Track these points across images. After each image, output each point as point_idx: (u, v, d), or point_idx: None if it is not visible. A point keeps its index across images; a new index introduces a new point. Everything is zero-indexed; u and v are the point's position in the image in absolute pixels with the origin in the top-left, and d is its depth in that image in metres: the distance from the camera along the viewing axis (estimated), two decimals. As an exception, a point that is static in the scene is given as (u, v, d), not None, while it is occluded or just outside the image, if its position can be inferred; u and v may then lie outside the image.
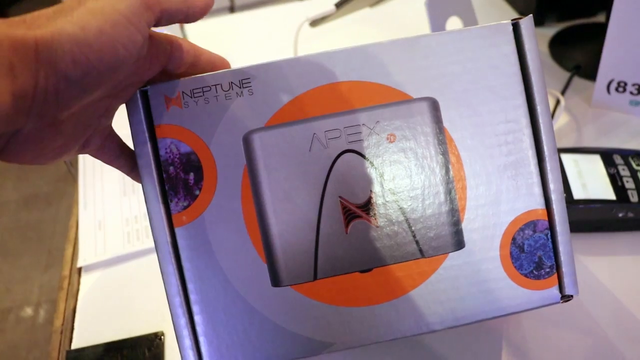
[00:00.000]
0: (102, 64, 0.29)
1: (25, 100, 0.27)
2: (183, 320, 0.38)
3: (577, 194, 0.56)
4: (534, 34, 0.39)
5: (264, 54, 0.94)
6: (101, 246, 0.63)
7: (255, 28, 1.03)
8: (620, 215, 0.56)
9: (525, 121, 0.39)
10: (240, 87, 0.38)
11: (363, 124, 0.38)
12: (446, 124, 0.39)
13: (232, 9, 2.29)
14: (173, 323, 0.38)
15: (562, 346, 0.50)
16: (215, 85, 0.38)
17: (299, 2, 1.15)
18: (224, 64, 0.40)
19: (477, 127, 0.39)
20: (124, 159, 0.40)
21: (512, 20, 0.39)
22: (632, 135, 0.70)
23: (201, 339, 0.38)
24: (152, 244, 0.62)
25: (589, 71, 0.79)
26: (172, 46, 0.36)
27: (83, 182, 0.72)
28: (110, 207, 0.68)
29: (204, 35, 1.00)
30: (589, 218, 0.56)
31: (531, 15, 0.39)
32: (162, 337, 0.54)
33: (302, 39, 0.80)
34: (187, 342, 0.38)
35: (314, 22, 0.72)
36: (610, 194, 0.56)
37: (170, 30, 0.79)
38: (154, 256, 0.62)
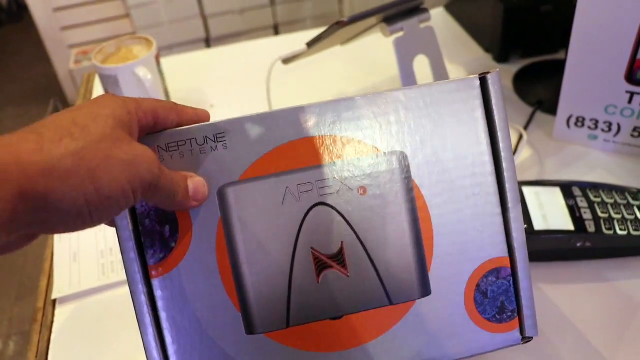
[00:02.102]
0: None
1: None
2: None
3: (538, 224, 0.59)
4: (501, 88, 0.40)
5: (238, 89, 0.96)
6: (76, 278, 0.64)
7: (230, 63, 1.04)
8: (579, 245, 0.58)
9: (491, 177, 0.41)
10: (214, 141, 0.39)
11: (334, 178, 0.39)
12: (415, 176, 0.40)
13: (207, 41, 2.33)
14: None
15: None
16: (190, 139, 0.39)
17: (273, 38, 1.19)
18: (207, 117, 0.40)
19: (444, 180, 0.40)
20: None
21: (479, 75, 0.40)
22: (590, 168, 0.73)
23: None
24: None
25: (551, 106, 0.82)
26: (156, 123, 0.37)
27: (59, 216, 0.73)
28: (85, 240, 0.69)
29: (181, 68, 1.03)
30: (549, 248, 0.58)
31: (498, 70, 0.40)
32: (137, 369, 0.55)
33: (274, 75, 0.82)
34: None
35: (286, 60, 0.75)
36: (569, 225, 0.59)
37: (148, 68, 0.82)
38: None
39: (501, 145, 0.41)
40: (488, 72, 0.40)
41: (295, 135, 0.39)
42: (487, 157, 0.41)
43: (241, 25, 2.32)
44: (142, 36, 0.88)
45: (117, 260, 0.66)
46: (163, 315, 0.39)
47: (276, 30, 2.42)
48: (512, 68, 0.93)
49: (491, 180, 0.41)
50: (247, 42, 1.12)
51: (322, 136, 0.40)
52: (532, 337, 0.41)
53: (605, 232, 0.58)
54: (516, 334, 0.42)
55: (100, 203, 0.30)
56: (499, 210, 0.41)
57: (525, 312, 0.41)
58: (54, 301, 0.62)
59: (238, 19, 2.30)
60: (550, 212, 0.60)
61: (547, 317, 0.55)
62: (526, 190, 0.63)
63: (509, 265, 0.41)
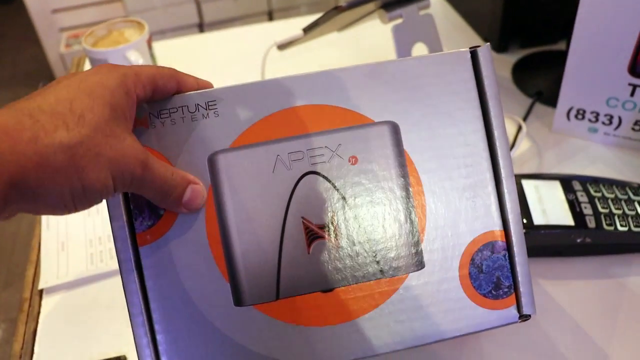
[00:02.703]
0: None
1: None
2: (145, 340, 0.38)
3: (537, 219, 0.58)
4: (491, 61, 0.41)
5: (232, 75, 0.95)
6: (64, 268, 0.63)
7: (224, 49, 1.04)
8: (579, 240, 0.58)
9: (482, 145, 0.41)
10: (206, 109, 0.39)
11: (325, 147, 0.40)
12: (406, 147, 0.40)
13: (201, 26, 2.31)
14: (135, 342, 0.38)
15: (521, 370, 0.51)
16: (181, 106, 0.39)
17: (268, 24, 1.17)
18: (209, 86, 0.41)
19: (436, 150, 0.41)
20: None
21: (470, 48, 0.41)
22: (590, 161, 0.73)
23: (161, 352, 0.38)
24: (116, 267, 0.62)
25: (550, 97, 0.82)
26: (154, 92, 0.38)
27: (46, 203, 0.72)
28: (74, 228, 0.68)
29: (173, 54, 1.01)
30: (548, 243, 0.58)
31: (488, 43, 0.41)
32: (124, 360, 0.54)
33: (269, 61, 0.81)
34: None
35: (282, 46, 0.73)
36: (569, 220, 0.58)
37: (139, 52, 0.80)
38: (118, 279, 0.61)
39: (493, 116, 0.41)
40: (479, 46, 0.41)
41: (286, 104, 0.40)
42: (479, 128, 0.41)
43: (235, 10, 2.30)
44: (133, 19, 0.86)
45: (105, 249, 0.65)
46: (150, 284, 0.39)
47: (270, 16, 2.40)
48: (511, 58, 0.93)
49: (483, 151, 0.41)
50: (241, 27, 1.11)
51: (314, 105, 0.40)
52: (529, 316, 0.41)
53: (606, 227, 0.58)
54: (513, 311, 0.41)
55: (84, 197, 0.32)
56: (492, 182, 0.41)
57: (522, 288, 0.41)
58: (41, 291, 0.61)
59: (232, 4, 2.28)
60: (549, 206, 0.59)
61: (546, 313, 0.55)
62: (525, 183, 0.62)
63: (504, 239, 0.41)
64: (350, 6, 0.60)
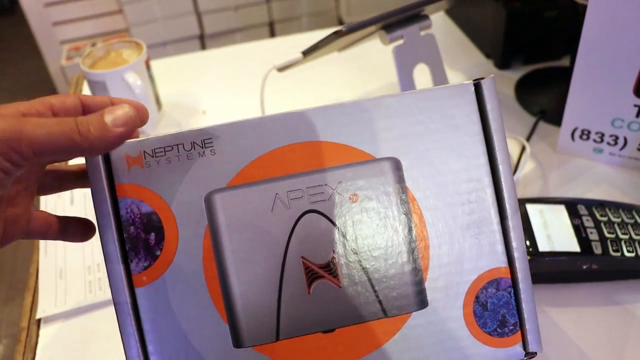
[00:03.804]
0: None
1: None
2: None
3: (542, 245, 0.57)
4: (495, 93, 0.40)
5: (230, 96, 0.94)
6: (62, 296, 0.62)
7: (222, 67, 1.03)
8: (585, 267, 0.57)
9: (487, 180, 0.40)
10: (202, 147, 0.38)
11: (325, 184, 0.39)
12: (409, 183, 0.40)
13: (202, 38, 2.31)
14: None
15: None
16: (177, 144, 0.38)
17: (268, 41, 1.17)
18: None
19: (439, 187, 0.40)
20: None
21: (473, 80, 0.40)
22: (595, 183, 0.72)
23: None
24: (114, 295, 0.62)
25: (554, 116, 0.81)
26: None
27: (44, 228, 0.71)
28: (72, 255, 0.67)
29: (171, 72, 1.01)
30: (554, 270, 0.57)
31: (492, 76, 0.40)
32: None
33: (269, 80, 0.80)
34: None
35: (282, 68, 0.73)
36: (574, 246, 0.57)
37: (138, 73, 0.79)
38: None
39: (497, 151, 0.40)
40: (482, 78, 0.40)
41: (284, 141, 0.39)
42: (484, 163, 0.40)
43: (236, 22, 2.30)
44: (132, 39, 0.86)
45: (104, 277, 0.64)
46: (147, 326, 0.38)
47: (271, 27, 2.40)
48: (513, 75, 0.92)
49: (488, 187, 0.40)
50: (241, 45, 1.11)
51: (313, 142, 0.39)
52: (535, 353, 0.40)
53: (612, 253, 0.57)
54: (518, 348, 0.40)
55: None
56: (497, 218, 0.40)
57: (528, 325, 0.40)
58: (39, 320, 0.60)
59: (232, 15, 2.28)
60: (555, 231, 0.59)
61: (552, 341, 0.54)
62: (530, 208, 0.61)
63: (509, 276, 0.40)
64: (350, 31, 0.60)
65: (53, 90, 2.43)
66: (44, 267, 0.66)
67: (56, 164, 0.41)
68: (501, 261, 0.40)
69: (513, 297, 0.40)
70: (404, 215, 0.39)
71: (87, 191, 0.75)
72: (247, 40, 2.26)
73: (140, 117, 0.37)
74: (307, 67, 0.88)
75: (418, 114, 0.40)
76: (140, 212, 0.38)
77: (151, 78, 0.85)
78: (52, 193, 0.42)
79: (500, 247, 0.40)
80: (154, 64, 0.92)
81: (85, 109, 0.38)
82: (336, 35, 0.60)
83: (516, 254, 0.40)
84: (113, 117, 0.33)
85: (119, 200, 0.38)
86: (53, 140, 0.31)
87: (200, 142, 0.38)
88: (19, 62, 2.90)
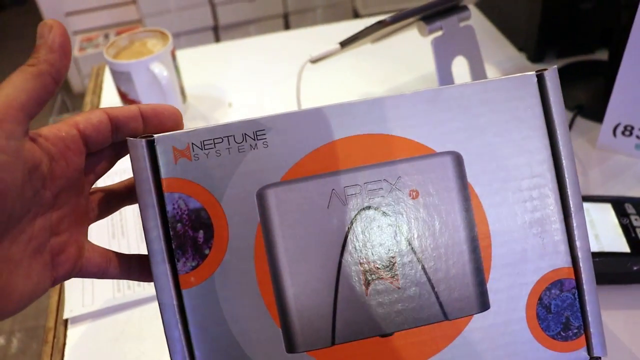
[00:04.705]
0: None
1: None
2: None
3: (591, 246, 0.55)
4: (559, 85, 0.39)
5: (265, 88, 0.92)
6: (89, 296, 0.61)
7: (245, 59, 1.02)
8: (635, 268, 0.55)
9: (550, 176, 0.38)
10: (254, 139, 0.36)
11: (384, 180, 0.37)
12: (470, 179, 0.38)
13: (216, 29, 2.29)
14: None
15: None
16: (227, 136, 0.36)
17: (287, 32, 1.14)
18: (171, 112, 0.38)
19: (502, 183, 0.38)
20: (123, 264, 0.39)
21: (536, 71, 0.38)
22: (638, 180, 0.70)
23: None
24: (145, 294, 0.60)
25: (591, 111, 0.79)
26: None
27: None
28: None
29: (194, 63, 0.99)
30: (603, 271, 0.55)
31: (555, 66, 0.39)
32: (155, 396, 0.51)
33: (303, 76, 0.78)
34: None
35: (315, 60, 0.71)
36: (624, 246, 0.55)
37: (163, 64, 0.77)
38: (147, 307, 0.59)
39: (561, 145, 0.38)
40: (545, 69, 0.39)
41: (341, 133, 0.37)
42: (547, 158, 0.39)
43: (250, 13, 2.29)
44: (156, 29, 0.84)
45: (133, 274, 0.61)
46: (194, 330, 0.36)
47: (286, 19, 2.38)
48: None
49: (551, 183, 0.39)
50: (262, 37, 1.08)
51: (371, 134, 0.37)
52: (600, 358, 0.39)
53: (663, 254, 0.54)
54: (583, 353, 0.39)
55: None
56: (560, 216, 0.39)
57: (592, 329, 0.39)
58: (66, 321, 0.59)
59: (247, 7, 2.27)
60: (602, 231, 0.57)
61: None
62: (575, 206, 0.58)
63: (573, 277, 0.39)
64: (394, 20, 0.58)
65: (66, 82, 2.42)
66: (69, 264, 0.64)
67: (101, 186, 0.40)
68: (565, 261, 0.38)
69: (577, 299, 0.39)
70: (465, 213, 0.38)
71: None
72: (261, 32, 2.25)
73: (175, 121, 0.37)
74: (338, 59, 0.86)
75: (480, 106, 0.38)
76: (188, 208, 0.36)
77: (177, 69, 0.83)
78: (102, 217, 0.40)
79: (563, 247, 0.38)
80: (177, 55, 0.90)
81: (113, 121, 0.36)
82: (380, 24, 0.58)
83: (580, 254, 0.38)
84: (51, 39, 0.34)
85: (165, 195, 0.36)
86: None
87: (252, 133, 0.36)
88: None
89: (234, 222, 0.36)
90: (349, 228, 0.37)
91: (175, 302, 0.35)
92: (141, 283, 0.61)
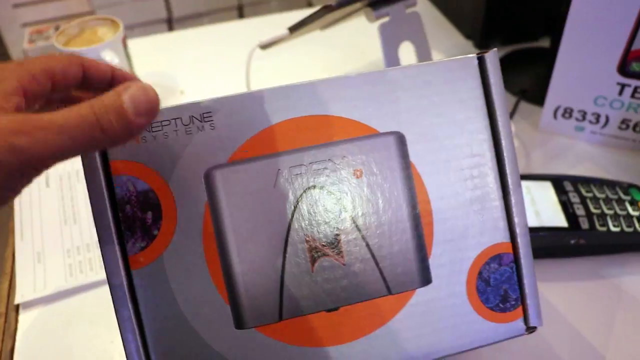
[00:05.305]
0: None
1: None
2: None
3: (531, 221, 0.57)
4: (499, 67, 0.40)
5: (215, 75, 0.92)
6: (41, 280, 0.60)
7: (198, 47, 1.01)
8: (573, 242, 0.57)
9: (490, 155, 0.40)
10: (201, 121, 0.37)
11: (329, 159, 0.38)
12: (413, 158, 0.39)
13: (169, 21, 2.26)
14: None
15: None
16: (175, 119, 0.36)
17: (241, 21, 1.15)
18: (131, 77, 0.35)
19: (443, 162, 0.39)
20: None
21: (477, 54, 0.40)
22: (577, 160, 0.72)
23: None
24: (97, 278, 0.60)
25: (534, 95, 0.82)
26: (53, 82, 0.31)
27: (19, 210, 0.68)
28: (50, 238, 0.65)
29: (146, 52, 0.98)
30: (542, 245, 0.57)
31: (495, 49, 0.40)
32: (109, 378, 0.52)
33: (253, 61, 0.78)
34: None
35: (265, 45, 0.71)
36: (562, 221, 0.57)
37: (115, 52, 0.77)
38: (100, 291, 0.59)
39: (500, 125, 0.40)
40: (485, 51, 0.40)
41: (286, 114, 0.38)
42: (487, 138, 0.40)
43: (204, 4, 2.26)
44: (107, 17, 0.83)
45: (85, 259, 0.62)
46: (144, 309, 0.36)
47: (240, 11, 2.37)
48: (493, 56, 0.91)
49: (490, 162, 0.40)
50: (215, 25, 1.08)
51: (315, 116, 0.38)
52: (536, 327, 0.40)
53: (599, 228, 0.57)
54: (520, 323, 0.41)
55: None
56: (499, 193, 0.40)
57: (529, 300, 0.40)
58: (17, 306, 0.58)
59: (201, -2, 2.23)
60: (542, 207, 0.59)
61: (542, 315, 0.54)
62: (517, 184, 0.61)
63: (511, 252, 0.40)
64: (340, 5, 0.58)
65: (15, 75, 2.36)
66: (20, 251, 0.64)
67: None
68: (504, 237, 0.40)
69: (515, 273, 0.40)
70: (408, 191, 0.39)
71: (64, 173, 0.72)
72: (215, 23, 2.23)
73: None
74: (289, 47, 0.87)
75: (422, 87, 0.39)
76: (136, 189, 0.36)
77: (128, 57, 0.82)
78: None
79: (502, 223, 0.40)
80: (129, 44, 0.89)
81: (86, 74, 0.33)
82: (326, 10, 0.59)
83: (518, 230, 0.40)
84: (134, 104, 0.29)
85: (114, 178, 0.36)
86: (75, 146, 0.27)
87: (199, 116, 0.37)
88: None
89: (182, 203, 0.36)
90: (294, 207, 0.37)
91: (125, 282, 0.36)
92: (93, 267, 0.61)
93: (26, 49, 2.18)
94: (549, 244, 0.58)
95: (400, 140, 0.39)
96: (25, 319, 0.57)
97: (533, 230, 0.57)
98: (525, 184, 0.62)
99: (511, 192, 0.40)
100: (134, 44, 0.98)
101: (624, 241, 0.58)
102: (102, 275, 0.60)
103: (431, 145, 0.39)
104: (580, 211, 0.58)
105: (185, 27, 2.28)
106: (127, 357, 0.36)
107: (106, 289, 0.58)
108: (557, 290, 0.57)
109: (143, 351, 0.36)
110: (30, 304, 0.59)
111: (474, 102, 0.39)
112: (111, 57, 0.76)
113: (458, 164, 0.39)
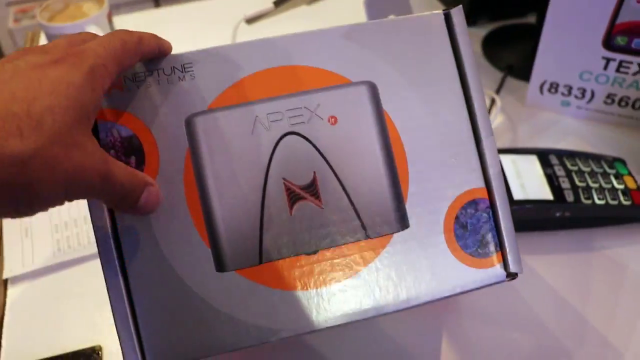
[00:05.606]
0: None
1: None
2: (123, 307, 0.37)
3: (517, 194, 0.58)
4: (464, 22, 0.42)
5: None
6: (29, 256, 0.60)
7: (187, 23, 1.01)
8: (558, 214, 0.58)
9: (461, 104, 0.41)
10: (182, 72, 0.39)
11: (304, 107, 0.39)
12: (386, 107, 0.40)
13: (157, 2, 2.24)
14: (113, 314, 0.37)
15: (505, 345, 0.51)
16: (157, 69, 0.38)
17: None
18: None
19: (416, 111, 0.41)
20: None
21: (443, 10, 0.42)
22: (563, 134, 0.73)
23: (142, 326, 0.37)
24: (85, 252, 0.60)
25: (521, 71, 0.83)
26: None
27: (6, 187, 0.68)
28: (38, 213, 0.64)
29: (132, 28, 0.97)
30: (528, 218, 0.58)
31: (460, 5, 0.42)
32: (99, 352, 0.52)
33: (237, 36, 0.78)
34: (126, 333, 0.37)
35: (250, 20, 0.71)
36: (548, 194, 0.58)
37: (100, 27, 0.76)
38: (87, 266, 0.60)
39: (469, 77, 0.41)
40: (451, 8, 0.42)
41: (264, 65, 0.39)
42: (457, 88, 0.41)
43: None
44: (92, -8, 0.81)
45: (73, 234, 0.62)
46: (127, 254, 0.37)
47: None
48: (480, 32, 0.93)
49: (462, 109, 0.41)
50: (202, 1, 1.06)
51: (292, 66, 0.40)
52: (516, 274, 0.41)
53: (584, 201, 0.58)
54: (500, 269, 0.41)
55: (30, 208, 0.30)
56: (472, 139, 0.41)
57: (508, 246, 0.41)
58: (5, 281, 0.59)
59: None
60: (528, 181, 0.59)
61: (528, 287, 0.55)
62: (503, 158, 0.62)
63: (487, 197, 0.41)
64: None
65: (1, 55, 2.33)
66: (8, 227, 0.64)
67: None
68: (479, 182, 0.41)
69: (492, 219, 0.41)
70: (382, 138, 0.40)
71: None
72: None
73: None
74: (275, 22, 0.86)
75: (394, 39, 0.41)
76: (120, 135, 0.38)
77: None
78: None
79: (476, 169, 0.41)
80: (115, 21, 0.89)
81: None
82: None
83: (492, 174, 0.41)
84: (145, 205, 0.36)
85: (98, 124, 0.37)
86: (109, 196, 0.34)
87: (180, 66, 0.39)
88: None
89: (165, 148, 0.38)
90: (272, 152, 0.39)
91: (109, 224, 0.37)
92: (81, 242, 0.61)
93: (11, 28, 2.15)
94: (534, 217, 0.59)
95: (373, 89, 0.40)
96: (13, 293, 0.58)
97: (519, 203, 0.57)
98: (511, 157, 0.62)
99: (483, 140, 0.41)
100: (120, 21, 0.98)
101: (609, 214, 0.59)
102: (90, 250, 0.61)
103: (403, 94, 0.40)
104: (565, 184, 0.59)
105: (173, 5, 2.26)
106: (111, 302, 0.37)
107: (94, 262, 0.59)
108: (542, 263, 0.58)
109: (127, 297, 0.37)
110: (18, 279, 0.59)
111: (443, 54, 0.41)
112: (96, 33, 0.75)
113: (431, 111, 0.41)
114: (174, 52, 0.39)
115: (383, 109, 0.40)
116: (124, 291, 0.37)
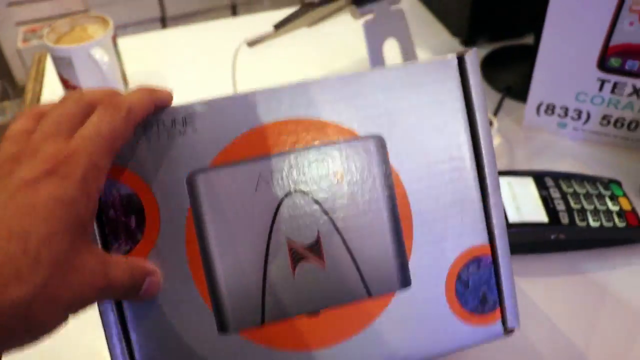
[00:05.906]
0: None
1: None
2: None
3: (512, 217, 0.58)
4: (478, 68, 0.39)
5: (201, 73, 0.92)
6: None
7: (190, 45, 1.01)
8: (553, 237, 0.58)
9: (469, 157, 0.40)
10: (183, 125, 0.36)
11: (309, 164, 0.38)
12: (393, 162, 0.39)
13: (163, 20, 2.27)
14: None
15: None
16: (157, 121, 0.36)
17: (232, 19, 1.15)
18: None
19: (423, 165, 0.39)
20: None
21: (457, 54, 0.39)
22: (560, 156, 0.73)
23: None
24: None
25: (519, 92, 0.82)
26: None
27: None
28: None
29: (137, 50, 0.98)
30: (523, 240, 0.58)
31: (475, 49, 0.39)
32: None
33: (239, 58, 0.79)
34: None
35: (251, 43, 0.72)
36: (543, 217, 0.58)
37: (104, 49, 0.77)
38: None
39: (479, 128, 0.40)
40: (465, 52, 0.39)
41: (268, 118, 0.37)
42: (465, 140, 0.40)
43: (198, 4, 2.26)
44: (97, 15, 0.83)
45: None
46: (128, 313, 0.36)
47: (234, 9, 2.37)
48: (479, 53, 0.91)
49: (470, 164, 0.40)
50: (206, 23, 1.08)
51: (296, 119, 0.38)
52: (514, 329, 0.40)
53: (579, 223, 0.58)
54: (498, 325, 0.41)
55: (37, 341, 0.29)
56: (478, 196, 0.40)
57: (507, 302, 0.40)
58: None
59: (195, -3, 2.24)
60: (523, 203, 0.59)
61: (522, 310, 0.54)
62: (499, 180, 0.61)
63: (490, 254, 0.40)
64: (322, 2, 0.59)
65: (8, 73, 2.36)
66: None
67: None
68: (482, 238, 0.40)
69: (493, 274, 0.40)
70: (388, 195, 0.38)
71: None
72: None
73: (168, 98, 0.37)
74: (276, 44, 0.87)
75: (402, 89, 0.39)
76: (119, 194, 0.36)
77: (118, 55, 0.83)
78: None
79: (481, 225, 0.40)
80: (118, 42, 0.90)
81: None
82: (308, 7, 0.60)
83: (496, 232, 0.40)
84: (146, 292, 0.35)
85: None
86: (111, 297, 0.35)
87: (181, 119, 0.36)
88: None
89: (165, 207, 0.36)
90: (276, 211, 0.37)
91: None
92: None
93: (20, 48, 2.18)
94: (529, 239, 0.58)
95: (380, 144, 0.38)
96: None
97: (514, 226, 0.57)
98: (507, 179, 0.62)
99: (490, 194, 0.40)
100: (126, 42, 0.99)
101: (603, 236, 0.59)
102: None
103: (411, 148, 0.39)
104: (560, 206, 0.59)
105: (179, 25, 2.29)
106: (111, 358, 0.36)
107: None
108: (537, 286, 0.57)
109: (128, 355, 0.36)
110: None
111: (453, 104, 0.39)
112: (100, 55, 0.76)
113: (438, 167, 0.39)
114: (180, 98, 0.37)
115: (390, 164, 0.39)
116: (125, 350, 0.36)
